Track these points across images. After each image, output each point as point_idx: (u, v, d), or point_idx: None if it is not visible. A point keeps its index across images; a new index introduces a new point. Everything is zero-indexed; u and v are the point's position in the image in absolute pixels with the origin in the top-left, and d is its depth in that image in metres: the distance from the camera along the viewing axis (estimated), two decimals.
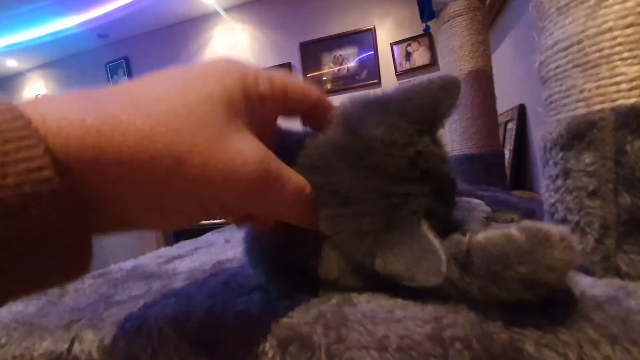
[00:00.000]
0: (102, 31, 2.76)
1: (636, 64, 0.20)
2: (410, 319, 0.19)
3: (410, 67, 2.50)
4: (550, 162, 0.25)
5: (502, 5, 1.35)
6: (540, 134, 0.26)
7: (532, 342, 0.17)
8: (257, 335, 0.21)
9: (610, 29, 0.21)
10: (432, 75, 0.20)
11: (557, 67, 0.24)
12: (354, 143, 0.20)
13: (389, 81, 2.56)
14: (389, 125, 0.19)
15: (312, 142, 0.21)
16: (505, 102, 1.32)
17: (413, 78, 2.47)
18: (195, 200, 0.17)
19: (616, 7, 0.20)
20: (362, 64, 2.62)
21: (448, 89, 0.20)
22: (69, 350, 0.24)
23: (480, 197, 0.46)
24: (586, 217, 0.22)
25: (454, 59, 0.67)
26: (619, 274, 0.21)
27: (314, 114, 0.22)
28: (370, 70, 2.60)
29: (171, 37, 2.90)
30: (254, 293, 0.25)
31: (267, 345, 0.21)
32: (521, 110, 1.20)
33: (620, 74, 0.20)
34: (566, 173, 0.23)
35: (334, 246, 0.21)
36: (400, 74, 2.53)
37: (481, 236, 0.19)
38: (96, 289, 0.31)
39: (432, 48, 2.41)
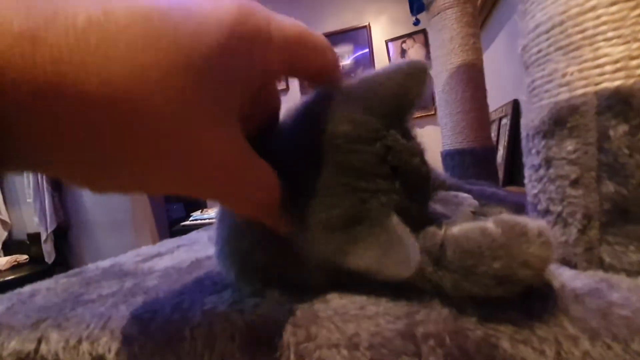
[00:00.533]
0: None
1: (621, 44, 0.19)
2: (382, 315, 0.18)
3: None
4: (533, 151, 0.24)
5: (493, 3, 1.34)
6: (523, 121, 0.25)
7: (507, 338, 0.16)
8: (224, 334, 0.20)
9: (593, 8, 0.20)
10: (399, 61, 0.19)
11: (539, 51, 0.23)
12: (319, 140, 0.19)
13: None
14: (354, 121, 0.18)
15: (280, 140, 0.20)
16: (499, 98, 1.31)
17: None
18: (139, 173, 0.14)
19: None
20: (357, 62, 2.61)
21: (414, 75, 0.18)
22: (36, 350, 0.23)
23: (468, 191, 0.45)
24: (569, 207, 0.21)
25: (444, 52, 0.66)
26: (603, 266, 0.20)
27: (320, 79, 0.19)
28: (366, 67, 2.58)
29: None
30: (225, 291, 0.24)
31: (234, 344, 0.20)
32: (515, 105, 1.19)
33: (604, 55, 0.19)
34: (548, 162, 0.22)
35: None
36: None
37: (456, 229, 0.18)
38: (67, 288, 0.30)
39: (427, 45, 2.39)
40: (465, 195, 0.43)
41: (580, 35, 0.20)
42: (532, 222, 0.16)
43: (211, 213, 2.25)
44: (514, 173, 1.17)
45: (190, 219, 2.25)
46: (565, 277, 0.19)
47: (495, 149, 0.71)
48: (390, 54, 2.53)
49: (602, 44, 0.20)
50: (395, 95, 0.18)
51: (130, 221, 2.85)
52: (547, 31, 0.22)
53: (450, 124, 0.68)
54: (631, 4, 0.19)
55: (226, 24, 0.13)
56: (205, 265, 0.32)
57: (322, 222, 0.19)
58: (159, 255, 0.39)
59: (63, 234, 2.86)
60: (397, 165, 0.18)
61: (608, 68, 0.19)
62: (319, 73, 0.19)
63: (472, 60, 0.65)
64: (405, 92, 0.18)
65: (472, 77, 0.65)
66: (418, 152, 0.20)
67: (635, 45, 0.19)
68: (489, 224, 0.17)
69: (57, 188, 2.96)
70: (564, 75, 0.21)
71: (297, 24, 0.17)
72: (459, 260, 0.17)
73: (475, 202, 0.41)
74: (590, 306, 0.17)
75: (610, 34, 0.19)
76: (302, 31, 0.17)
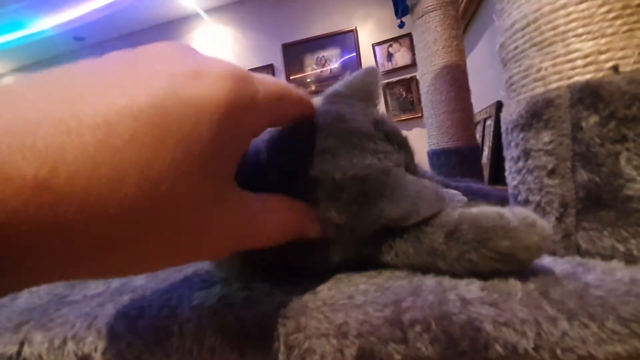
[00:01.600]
0: (78, 34, 2.68)
1: (590, 40, 0.20)
2: (370, 303, 0.19)
3: (392, 68, 2.53)
4: (512, 144, 0.25)
5: (476, 8, 1.38)
6: (502, 116, 0.26)
7: (490, 321, 0.17)
8: (213, 328, 0.20)
9: (564, 6, 0.21)
10: (359, 70, 0.28)
11: (516, 47, 0.24)
12: (328, 118, 0.22)
13: None
14: (349, 104, 0.24)
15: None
16: (483, 99, 1.34)
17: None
18: (160, 261, 0.15)
19: None
20: (344, 65, 2.63)
21: (369, 73, 0.27)
22: (19, 352, 0.23)
23: (455, 188, 0.46)
24: (546, 196, 0.22)
25: (429, 53, 0.68)
26: (579, 251, 0.21)
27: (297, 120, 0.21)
28: (353, 71, 2.61)
29: (150, 40, 2.77)
30: (214, 286, 0.24)
31: (223, 338, 0.20)
32: (498, 106, 1.22)
33: (575, 51, 0.20)
34: (526, 153, 0.23)
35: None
36: (382, 74, 2.55)
37: (475, 209, 0.21)
38: (51, 290, 0.29)
39: (413, 49, 2.44)
40: (454, 191, 0.45)
41: (552, 32, 0.21)
42: (540, 219, 0.19)
43: None
44: (499, 173, 1.20)
45: None
46: (544, 263, 0.20)
47: (480, 149, 0.73)
48: (377, 58, 2.56)
49: (573, 39, 0.21)
50: (363, 85, 0.26)
51: None
52: (523, 28, 0.23)
53: (435, 123, 0.69)
54: (598, 1, 0.20)
55: (222, 104, 0.13)
56: (195, 263, 0.32)
57: (353, 178, 0.20)
58: None
59: None
60: (388, 131, 0.23)
61: (579, 62, 0.20)
62: (297, 118, 0.21)
63: (455, 62, 0.66)
64: (369, 83, 0.26)
65: (456, 77, 0.66)
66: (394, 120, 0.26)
67: (603, 40, 0.20)
68: (505, 211, 0.20)
69: None
70: (538, 70, 0.22)
71: (279, 83, 0.18)
72: (473, 234, 0.19)
73: (464, 198, 0.42)
74: (568, 288, 0.17)
75: (580, 30, 0.20)
76: (283, 90, 0.18)
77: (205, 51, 0.16)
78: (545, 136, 0.21)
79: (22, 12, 2.34)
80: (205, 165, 0.13)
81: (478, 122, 1.38)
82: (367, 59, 2.57)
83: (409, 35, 2.42)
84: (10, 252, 0.10)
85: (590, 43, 0.20)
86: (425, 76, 0.70)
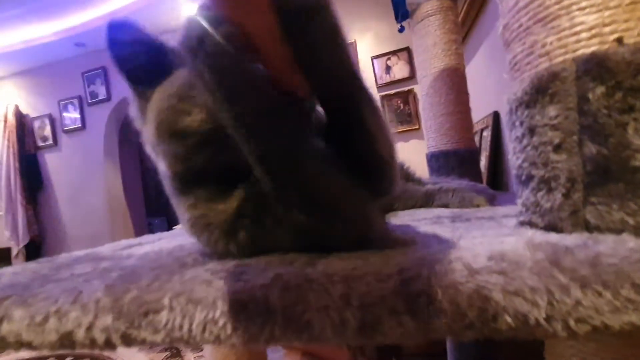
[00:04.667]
0: (79, 40, 2.70)
1: (594, 12, 0.20)
2: (373, 274, 0.18)
3: (390, 80, 2.56)
4: (517, 123, 0.24)
5: (473, 20, 1.41)
6: (506, 97, 0.25)
7: (499, 290, 0.16)
8: (206, 301, 0.19)
9: None
10: None
11: (520, 26, 0.23)
12: None
13: None
14: None
15: None
16: (480, 110, 1.36)
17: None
18: None
19: None
20: None
21: None
22: None
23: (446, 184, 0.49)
24: (552, 171, 0.21)
25: (428, 57, 0.69)
26: (588, 228, 0.20)
27: None
28: None
29: None
30: (208, 264, 0.23)
31: (218, 311, 0.19)
32: (495, 117, 1.23)
33: (580, 24, 0.20)
34: (532, 130, 0.23)
35: None
36: (380, 87, 2.58)
37: None
38: (37, 271, 0.28)
39: (411, 62, 2.48)
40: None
41: (557, 6, 0.21)
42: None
43: None
44: (496, 182, 1.20)
45: None
46: (552, 238, 0.20)
47: (478, 151, 0.73)
48: (376, 70, 2.59)
49: (577, 13, 0.20)
50: None
51: (109, 235, 2.74)
52: (526, 5, 0.23)
53: (434, 126, 0.69)
54: None
55: None
56: (189, 248, 0.31)
57: None
58: (140, 244, 0.37)
59: (36, 249, 2.71)
60: None
61: (584, 35, 0.20)
62: None
63: (454, 65, 0.67)
64: None
65: (455, 80, 0.67)
66: None
67: (607, 13, 0.20)
68: None
69: (31, 201, 2.83)
70: (543, 46, 0.22)
71: None
72: None
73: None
74: (579, 257, 0.17)
75: (584, 4, 0.20)
76: None
77: None
78: (551, 111, 0.21)
79: (23, 18, 2.35)
80: None
81: (475, 133, 1.39)
82: (366, 72, 2.60)
83: (407, 49, 2.46)
84: None
85: (594, 16, 0.20)
86: (425, 79, 0.70)
